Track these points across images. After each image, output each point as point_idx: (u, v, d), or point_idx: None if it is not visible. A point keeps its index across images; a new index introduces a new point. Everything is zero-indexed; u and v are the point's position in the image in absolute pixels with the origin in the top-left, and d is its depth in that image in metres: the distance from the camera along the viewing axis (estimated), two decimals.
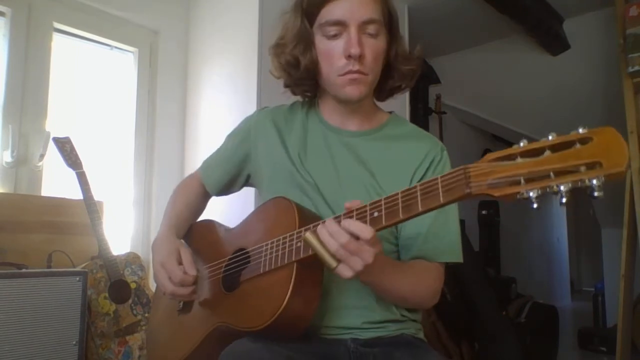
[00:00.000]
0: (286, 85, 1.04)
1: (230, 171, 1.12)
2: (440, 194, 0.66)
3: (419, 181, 0.93)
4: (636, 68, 2.23)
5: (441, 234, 0.95)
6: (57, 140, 1.77)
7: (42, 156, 1.87)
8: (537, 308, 3.00)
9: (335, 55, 0.93)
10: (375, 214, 0.73)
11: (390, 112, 1.09)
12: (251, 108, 1.15)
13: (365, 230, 0.71)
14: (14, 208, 1.72)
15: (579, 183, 0.55)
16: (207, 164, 1.18)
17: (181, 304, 1.05)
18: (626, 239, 2.33)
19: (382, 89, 1.03)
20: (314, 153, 1.02)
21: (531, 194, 0.58)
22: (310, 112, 1.08)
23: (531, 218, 5.43)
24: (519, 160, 0.60)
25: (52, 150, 1.79)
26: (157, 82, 2.33)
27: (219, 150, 1.17)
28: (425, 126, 3.56)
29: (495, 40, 3.39)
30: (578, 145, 0.56)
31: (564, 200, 0.56)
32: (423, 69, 3.66)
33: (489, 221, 4.02)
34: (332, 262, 0.74)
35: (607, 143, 0.55)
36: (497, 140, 4.88)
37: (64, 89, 2.06)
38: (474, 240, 3.80)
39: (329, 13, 0.93)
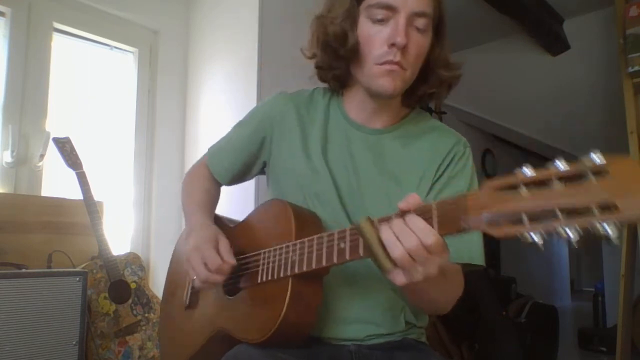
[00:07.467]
0: (317, 66, 0.95)
1: (243, 160, 1.05)
2: (435, 224, 0.60)
3: (437, 179, 0.91)
4: (636, 68, 2.23)
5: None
6: (57, 141, 1.77)
7: (42, 156, 1.87)
8: (537, 308, 3.00)
9: (376, 41, 0.85)
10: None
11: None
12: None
13: (433, 237, 0.60)
14: (14, 208, 1.72)
15: (590, 228, 0.46)
16: (214, 152, 1.10)
17: (187, 300, 1.04)
18: (626, 239, 2.32)
19: (413, 93, 0.95)
20: (334, 152, 0.95)
21: (534, 236, 0.50)
22: (332, 104, 1.00)
23: None
24: (523, 191, 0.51)
25: (52, 150, 1.79)
26: (157, 82, 2.33)
27: (227, 139, 1.09)
28: None
29: (495, 40, 3.40)
30: (591, 178, 0.47)
31: (575, 244, 0.48)
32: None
33: None
34: (387, 265, 0.63)
35: (625, 178, 0.45)
36: (497, 140, 4.87)
37: (64, 89, 2.06)
38: None
39: None
